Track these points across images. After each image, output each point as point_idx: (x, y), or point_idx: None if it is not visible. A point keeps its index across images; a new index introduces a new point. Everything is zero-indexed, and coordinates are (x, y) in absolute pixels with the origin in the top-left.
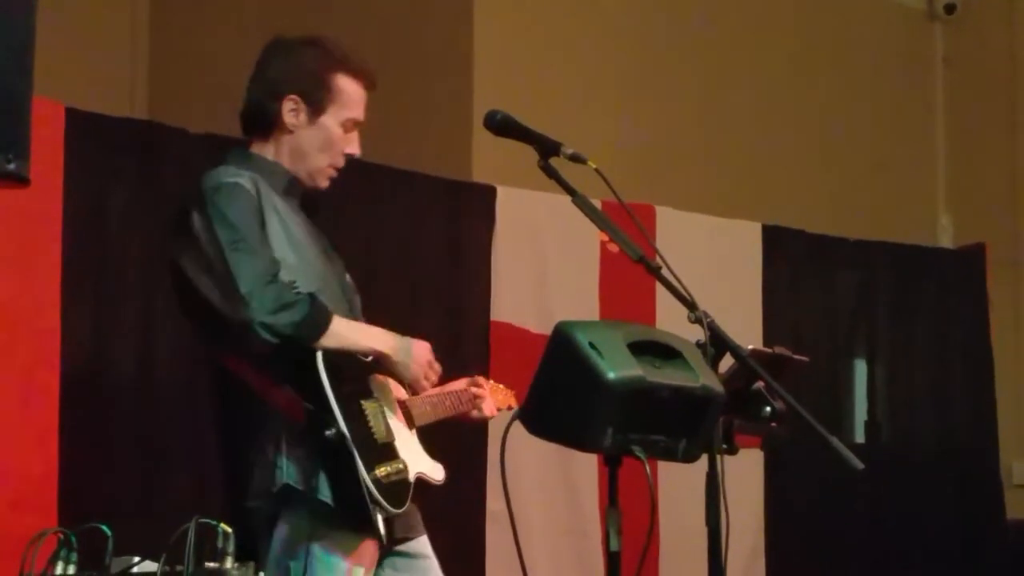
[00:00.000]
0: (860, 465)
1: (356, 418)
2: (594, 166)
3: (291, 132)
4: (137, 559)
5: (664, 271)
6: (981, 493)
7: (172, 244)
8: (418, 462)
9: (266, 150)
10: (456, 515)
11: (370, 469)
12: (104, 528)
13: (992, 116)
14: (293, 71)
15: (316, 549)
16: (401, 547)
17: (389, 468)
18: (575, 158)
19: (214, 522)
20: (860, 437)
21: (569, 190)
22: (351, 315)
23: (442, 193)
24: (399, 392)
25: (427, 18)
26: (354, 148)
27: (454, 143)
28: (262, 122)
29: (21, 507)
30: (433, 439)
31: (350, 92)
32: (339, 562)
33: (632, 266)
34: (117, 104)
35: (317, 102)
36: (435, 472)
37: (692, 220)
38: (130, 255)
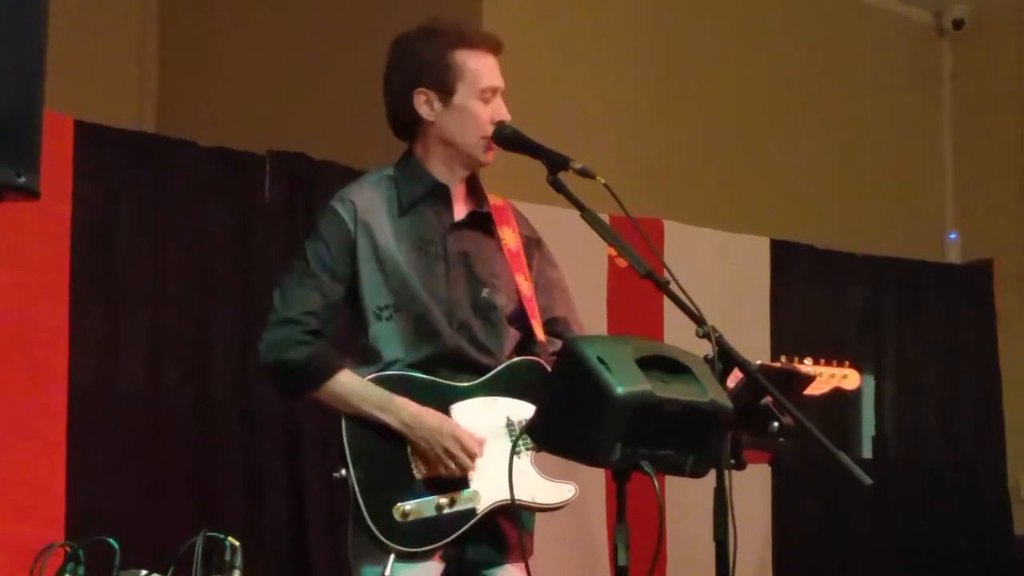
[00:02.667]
0: (868, 480)
1: (382, 457)
2: (603, 181)
3: (432, 123)
4: (144, 572)
5: (672, 286)
6: (989, 508)
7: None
8: (506, 488)
9: (418, 149)
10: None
11: (386, 508)
12: (111, 541)
13: (1000, 131)
14: (413, 65)
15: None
16: (487, 572)
17: (418, 504)
18: (584, 173)
19: (222, 535)
20: (868, 452)
21: (578, 205)
22: (465, 335)
23: None
24: (523, 413)
25: None
26: (502, 114)
27: None
28: (406, 125)
29: (28, 520)
30: None
31: (474, 64)
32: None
33: (640, 281)
34: (126, 117)
35: (445, 85)
36: (544, 494)
37: (700, 235)
38: (139, 268)
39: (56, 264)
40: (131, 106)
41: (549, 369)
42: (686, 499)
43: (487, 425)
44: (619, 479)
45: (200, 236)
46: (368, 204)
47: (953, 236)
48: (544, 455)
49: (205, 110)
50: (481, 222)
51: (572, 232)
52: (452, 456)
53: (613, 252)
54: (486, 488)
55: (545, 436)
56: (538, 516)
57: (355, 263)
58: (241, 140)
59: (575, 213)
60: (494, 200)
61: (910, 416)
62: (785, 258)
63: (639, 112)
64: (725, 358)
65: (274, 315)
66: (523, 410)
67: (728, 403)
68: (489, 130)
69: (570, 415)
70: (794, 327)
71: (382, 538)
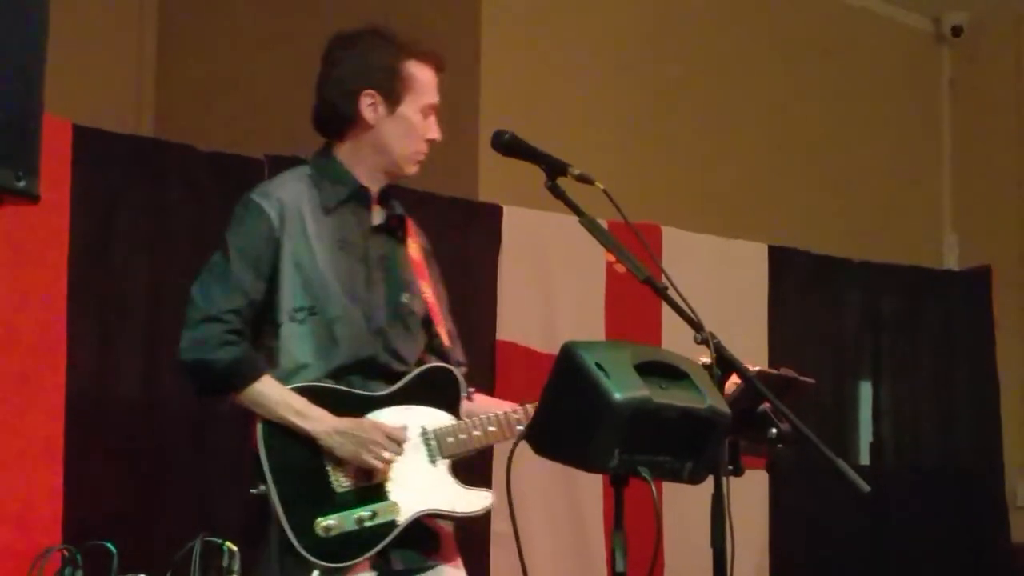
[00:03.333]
0: (866, 487)
1: (300, 471)
2: (601, 186)
3: (372, 127)
4: None
5: (670, 291)
6: (986, 515)
7: None
8: (429, 499)
9: (343, 151)
10: (460, 537)
11: (308, 523)
12: (109, 545)
13: (999, 138)
14: (364, 65)
15: None
16: (424, 563)
17: (340, 519)
18: (582, 178)
19: (219, 540)
20: (865, 459)
21: (576, 210)
22: (380, 340)
23: (448, 212)
24: (437, 422)
25: (433, 38)
26: (434, 133)
27: (461, 162)
28: (339, 122)
29: (26, 525)
30: None
31: (423, 78)
32: None
33: (638, 286)
34: (124, 121)
35: (394, 93)
36: (463, 503)
37: (698, 240)
38: (137, 272)
39: (54, 268)
40: (129, 110)
41: (460, 377)
42: (684, 505)
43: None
44: (617, 485)
45: (198, 240)
46: (293, 202)
47: None
48: (459, 463)
49: (203, 114)
50: (396, 228)
51: (571, 238)
52: (379, 445)
53: (612, 258)
54: (405, 499)
55: (542, 441)
56: (536, 522)
57: (278, 261)
58: (239, 144)
59: (574, 219)
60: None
61: (907, 423)
62: (783, 264)
63: (638, 118)
64: (723, 364)
65: (195, 312)
66: (437, 419)
67: (726, 409)
68: (422, 146)
69: (568, 421)
70: (792, 333)
71: (306, 555)
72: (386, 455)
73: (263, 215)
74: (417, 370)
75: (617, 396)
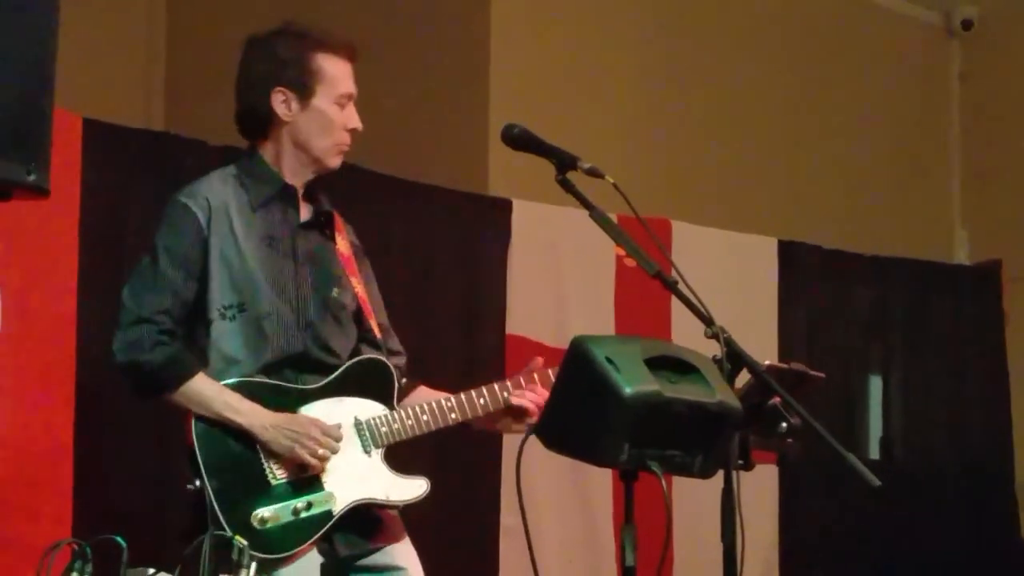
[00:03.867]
0: (877, 482)
1: (235, 465)
2: (611, 180)
3: (288, 123)
4: (152, 571)
5: (681, 286)
6: (996, 510)
7: None
8: (364, 488)
9: (267, 150)
10: (470, 530)
11: (244, 516)
12: (119, 539)
13: (1009, 132)
14: (273, 64)
15: None
16: (363, 562)
17: (275, 511)
18: (592, 172)
19: (229, 535)
20: (875, 453)
21: (586, 204)
22: (310, 335)
23: (458, 206)
24: (370, 412)
25: (444, 32)
26: (354, 122)
27: (470, 156)
28: (257, 122)
29: (36, 518)
30: (445, 452)
31: (334, 69)
32: None
33: (648, 280)
34: (134, 115)
35: (304, 87)
36: (397, 492)
37: (708, 235)
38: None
39: (64, 262)
40: (139, 104)
41: (392, 368)
42: (693, 500)
43: (338, 425)
44: (627, 480)
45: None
46: (219, 201)
47: None
48: (394, 451)
49: (213, 108)
50: (323, 224)
51: (581, 232)
52: (315, 440)
53: (622, 252)
54: (341, 489)
55: (552, 436)
56: (546, 516)
57: (206, 260)
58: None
59: (584, 213)
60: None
61: (917, 417)
62: (793, 258)
63: (647, 112)
64: (733, 358)
65: (126, 314)
66: (370, 409)
67: (736, 404)
68: (343, 137)
69: (578, 415)
70: (802, 327)
71: (239, 541)
72: (321, 452)
73: (189, 214)
74: (349, 362)
75: (627, 390)
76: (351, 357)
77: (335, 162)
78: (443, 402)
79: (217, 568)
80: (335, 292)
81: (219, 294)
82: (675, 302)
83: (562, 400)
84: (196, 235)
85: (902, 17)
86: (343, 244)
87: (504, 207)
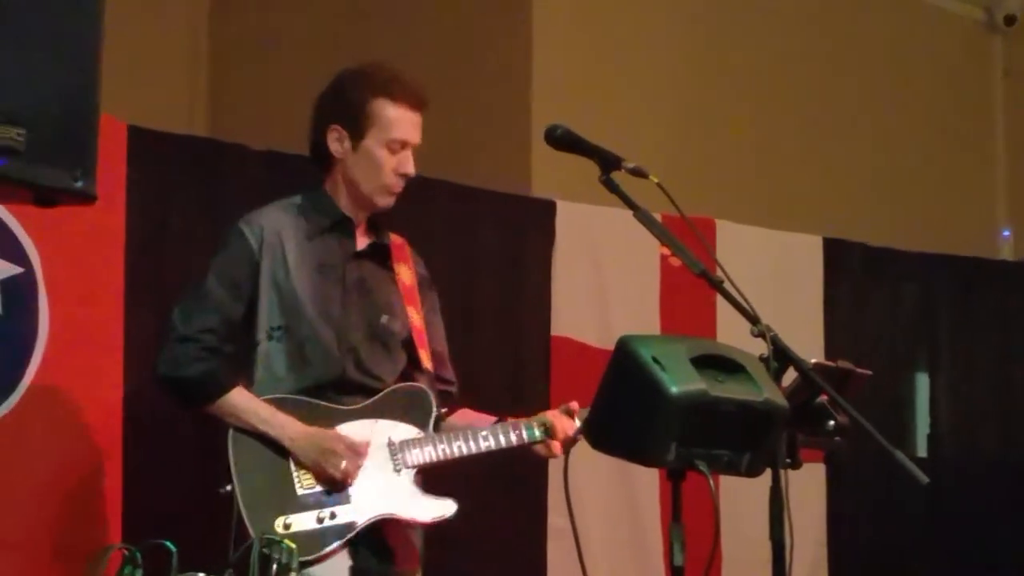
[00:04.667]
0: (925, 479)
1: (265, 472)
2: (655, 180)
3: (340, 160)
4: (201, 575)
5: (726, 285)
6: None
7: None
8: (389, 504)
9: (328, 183)
10: (518, 531)
11: (268, 520)
12: (168, 544)
13: None
14: (334, 102)
15: None
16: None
17: (299, 518)
18: (636, 172)
19: (277, 538)
20: (922, 451)
21: (631, 204)
22: (352, 359)
23: (501, 208)
24: (404, 435)
25: (486, 33)
26: (406, 168)
27: (513, 158)
28: (319, 156)
29: (86, 523)
30: (492, 454)
31: (390, 115)
32: None
33: (692, 280)
34: (178, 122)
35: (357, 128)
36: (422, 511)
37: (752, 234)
38: (192, 272)
39: (111, 268)
40: (183, 111)
41: (431, 395)
42: (740, 499)
43: (372, 445)
44: (674, 479)
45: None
46: (274, 227)
47: (1007, 233)
48: (425, 473)
49: (257, 114)
50: (380, 254)
51: (625, 232)
52: (338, 455)
53: (666, 251)
54: (365, 503)
55: (599, 436)
56: (593, 516)
57: (257, 284)
58: (293, 143)
59: (627, 213)
60: (394, 238)
61: (964, 414)
62: (838, 256)
63: (691, 111)
64: (780, 357)
65: (172, 333)
66: (403, 431)
67: (783, 402)
68: (392, 180)
69: (624, 415)
70: (847, 326)
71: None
72: (344, 465)
73: (243, 239)
74: (390, 387)
75: (674, 390)
76: (398, 382)
77: (383, 202)
78: (478, 431)
79: (266, 571)
80: (384, 319)
81: (267, 316)
82: (720, 301)
83: (609, 400)
84: (247, 259)
85: (945, 13)
86: (407, 274)
87: (548, 208)
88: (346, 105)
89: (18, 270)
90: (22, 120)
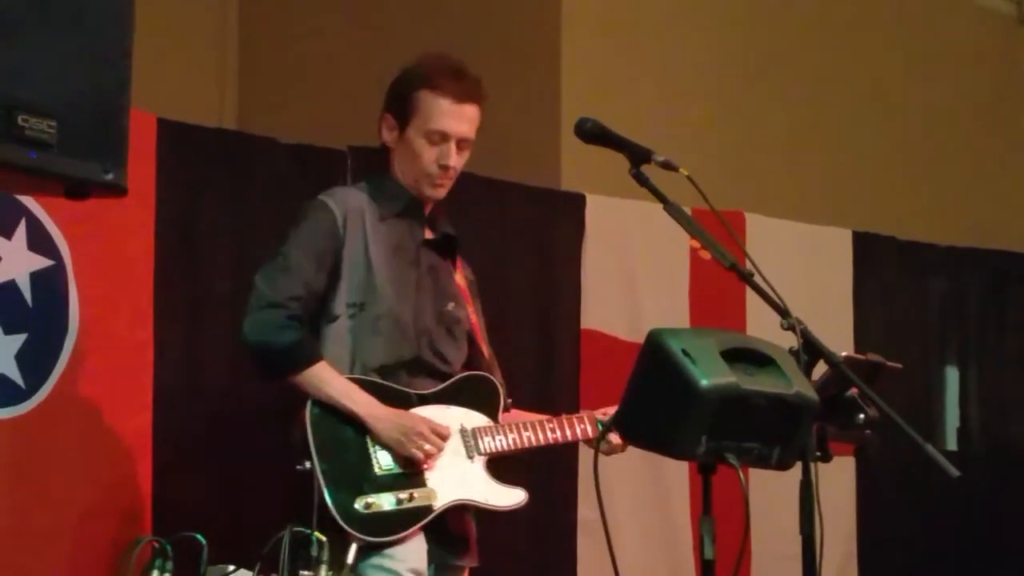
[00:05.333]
0: (956, 472)
1: (344, 451)
2: (686, 173)
3: (392, 149)
4: (232, 568)
5: (756, 278)
6: None
7: None
8: (465, 489)
9: (392, 171)
10: (547, 524)
11: (349, 499)
12: (199, 537)
13: None
14: (390, 91)
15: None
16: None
17: (379, 498)
18: (667, 165)
19: (308, 531)
20: (952, 444)
21: (661, 198)
22: (425, 341)
23: (531, 201)
24: (475, 422)
25: (515, 26)
26: (445, 160)
27: (543, 151)
28: (382, 142)
29: (116, 516)
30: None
31: (432, 106)
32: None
33: (722, 273)
34: (207, 114)
35: (402, 118)
36: (496, 497)
37: (782, 227)
38: (222, 264)
39: (140, 260)
40: (212, 103)
41: (500, 386)
42: (770, 492)
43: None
44: (704, 472)
45: (282, 232)
46: (357, 205)
47: None
48: (497, 461)
49: (285, 106)
50: (446, 246)
51: (654, 225)
52: (424, 437)
53: (696, 244)
54: (442, 487)
55: (630, 429)
56: (623, 509)
57: (339, 259)
58: (322, 136)
59: (657, 206)
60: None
61: (995, 407)
62: (867, 250)
63: (720, 104)
64: (810, 350)
65: (259, 298)
66: (474, 419)
67: (814, 395)
68: (432, 169)
69: (655, 408)
70: (877, 319)
71: (346, 527)
72: (427, 447)
73: (328, 212)
74: (462, 374)
75: (704, 383)
76: (462, 371)
77: (430, 192)
78: (544, 422)
79: (296, 564)
80: (450, 306)
81: (346, 292)
82: (750, 294)
83: (639, 393)
84: (332, 231)
85: (975, 7)
86: (459, 277)
87: (578, 201)
88: (396, 95)
89: (48, 263)
90: (53, 113)
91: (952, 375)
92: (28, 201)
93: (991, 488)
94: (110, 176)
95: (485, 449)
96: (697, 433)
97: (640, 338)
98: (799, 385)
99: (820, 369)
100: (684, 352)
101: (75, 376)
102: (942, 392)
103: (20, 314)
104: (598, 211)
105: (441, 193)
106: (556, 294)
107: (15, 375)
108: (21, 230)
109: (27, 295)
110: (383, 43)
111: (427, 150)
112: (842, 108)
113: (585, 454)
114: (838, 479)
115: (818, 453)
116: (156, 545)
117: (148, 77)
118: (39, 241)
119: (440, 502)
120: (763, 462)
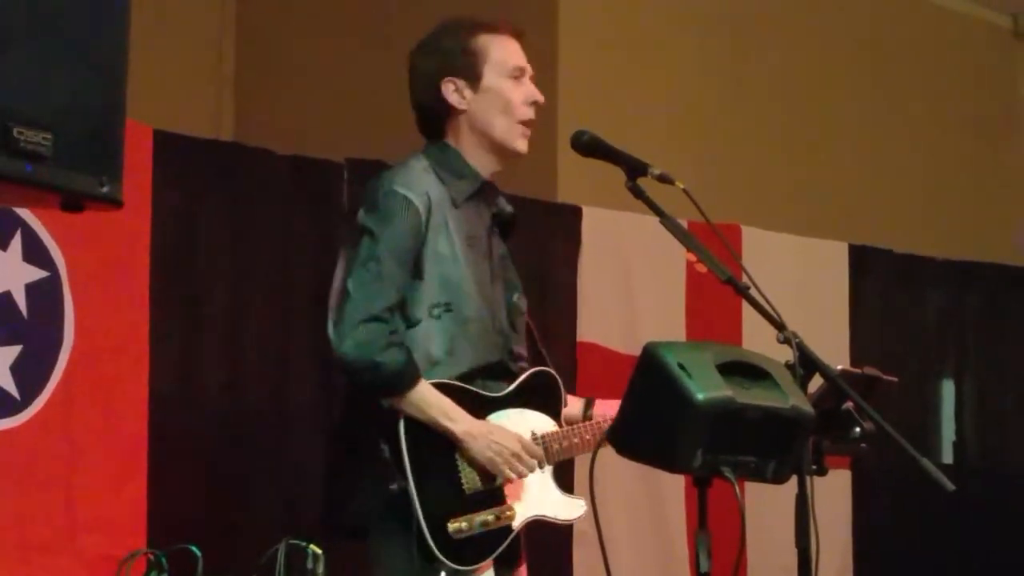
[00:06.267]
0: (951, 486)
1: (436, 470)
2: (682, 186)
3: (464, 111)
4: None
5: (752, 291)
6: None
7: (344, 227)
8: (538, 504)
9: (452, 143)
10: (542, 536)
11: (440, 524)
12: (194, 549)
13: None
14: (436, 57)
15: None
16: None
17: (470, 521)
18: (663, 178)
19: (304, 543)
20: (948, 457)
21: (657, 211)
22: (503, 341)
23: (527, 214)
24: (544, 426)
25: None
26: (535, 95)
27: (539, 163)
28: (435, 119)
29: (112, 529)
30: None
31: (498, 45)
32: None
33: (718, 286)
34: (203, 126)
35: (472, 70)
36: (564, 510)
37: (778, 240)
38: (217, 276)
39: (136, 272)
40: (208, 115)
41: (561, 383)
42: (766, 505)
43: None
44: (700, 486)
45: (279, 244)
46: (434, 195)
47: None
48: (557, 468)
49: (282, 118)
50: (507, 225)
51: (651, 238)
52: (520, 459)
53: (692, 258)
54: (520, 504)
55: (625, 442)
56: (619, 522)
57: (422, 256)
58: (318, 148)
59: (653, 219)
60: None
61: (991, 422)
62: (864, 263)
63: (716, 117)
64: (806, 363)
65: (355, 309)
66: (544, 423)
67: (810, 409)
68: (525, 112)
69: (651, 422)
70: (874, 333)
71: (438, 554)
72: (520, 468)
73: (412, 208)
74: (529, 371)
75: (700, 396)
76: (524, 367)
77: (520, 144)
78: (602, 423)
79: None
80: (515, 297)
81: (431, 292)
82: (746, 307)
83: (635, 406)
84: (416, 230)
85: (971, 21)
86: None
87: (574, 214)
88: (450, 55)
89: (43, 274)
90: (49, 126)
91: (948, 388)
92: (24, 213)
93: (987, 501)
94: (106, 188)
95: (554, 457)
96: (693, 447)
97: (636, 351)
98: (795, 399)
99: (816, 382)
100: (680, 366)
101: (70, 388)
102: (938, 405)
103: (15, 325)
104: (594, 224)
105: (526, 148)
106: (552, 306)
107: (10, 386)
108: (16, 242)
109: (22, 306)
110: (378, 54)
111: (516, 90)
112: (839, 122)
113: (580, 467)
114: (834, 492)
115: (814, 467)
116: (151, 557)
117: (145, 89)
118: (35, 253)
119: (518, 521)
120: (759, 475)
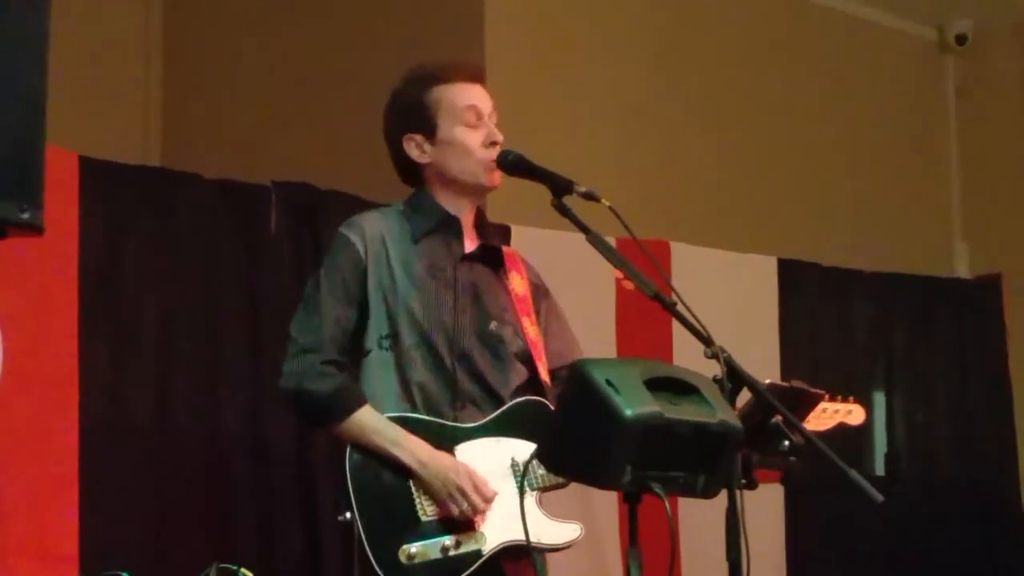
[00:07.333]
0: (880, 497)
1: (387, 498)
2: (607, 204)
3: (428, 164)
4: None
5: (680, 307)
6: (1002, 525)
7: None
8: (512, 531)
9: (429, 189)
10: None
11: (391, 550)
12: (125, 575)
13: (1007, 145)
14: (396, 115)
15: None
16: None
17: (424, 547)
18: (588, 196)
19: (234, 567)
20: (880, 470)
21: (583, 228)
22: (465, 366)
23: None
24: (524, 453)
25: (436, 55)
26: (494, 136)
27: None
28: (409, 173)
29: (43, 557)
30: None
31: (452, 93)
32: None
33: (648, 303)
34: (131, 152)
35: (426, 124)
36: (549, 534)
37: (707, 255)
38: (147, 301)
39: (64, 299)
40: (135, 140)
41: (551, 409)
42: (698, 520)
43: (494, 465)
44: (630, 502)
45: (208, 268)
46: (378, 232)
47: None
48: (550, 496)
49: (209, 143)
50: (491, 256)
51: (578, 256)
52: (466, 496)
53: (620, 275)
54: (491, 529)
55: (555, 459)
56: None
57: (365, 291)
58: (246, 172)
59: (581, 237)
60: (506, 248)
61: (922, 433)
62: (793, 277)
63: (644, 133)
64: (734, 378)
65: (293, 345)
66: (528, 450)
67: (738, 423)
68: (485, 153)
69: (580, 438)
70: (803, 346)
71: None
72: (465, 507)
73: (349, 245)
74: (510, 403)
75: (628, 412)
76: (514, 396)
77: (486, 179)
78: None
79: None
80: (493, 325)
81: (376, 324)
82: (676, 323)
83: (564, 424)
84: (355, 264)
85: (896, 33)
86: (519, 284)
87: (503, 233)
88: (406, 110)
89: None
90: None
91: (879, 400)
92: None
93: (918, 513)
94: (26, 215)
95: (538, 483)
96: (622, 463)
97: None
98: (723, 413)
99: (745, 396)
100: (608, 382)
101: None
102: (869, 417)
103: None
104: (523, 242)
105: (499, 181)
106: None
107: None
108: None
109: None
110: (306, 79)
111: (472, 135)
112: (766, 135)
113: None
114: (766, 506)
115: (744, 481)
116: None
117: (71, 115)
118: None
119: (489, 545)
120: (688, 491)
